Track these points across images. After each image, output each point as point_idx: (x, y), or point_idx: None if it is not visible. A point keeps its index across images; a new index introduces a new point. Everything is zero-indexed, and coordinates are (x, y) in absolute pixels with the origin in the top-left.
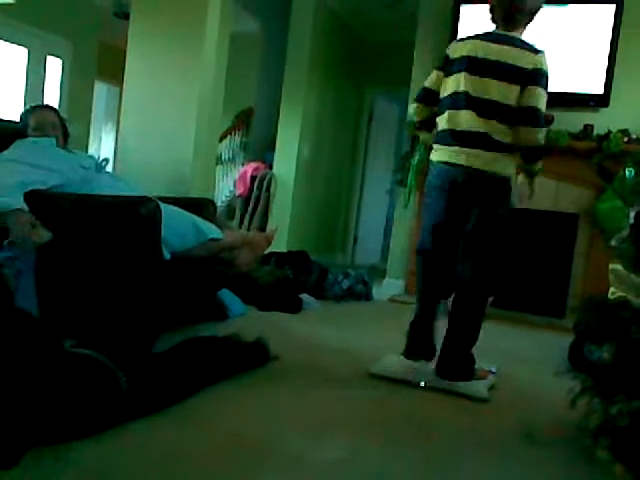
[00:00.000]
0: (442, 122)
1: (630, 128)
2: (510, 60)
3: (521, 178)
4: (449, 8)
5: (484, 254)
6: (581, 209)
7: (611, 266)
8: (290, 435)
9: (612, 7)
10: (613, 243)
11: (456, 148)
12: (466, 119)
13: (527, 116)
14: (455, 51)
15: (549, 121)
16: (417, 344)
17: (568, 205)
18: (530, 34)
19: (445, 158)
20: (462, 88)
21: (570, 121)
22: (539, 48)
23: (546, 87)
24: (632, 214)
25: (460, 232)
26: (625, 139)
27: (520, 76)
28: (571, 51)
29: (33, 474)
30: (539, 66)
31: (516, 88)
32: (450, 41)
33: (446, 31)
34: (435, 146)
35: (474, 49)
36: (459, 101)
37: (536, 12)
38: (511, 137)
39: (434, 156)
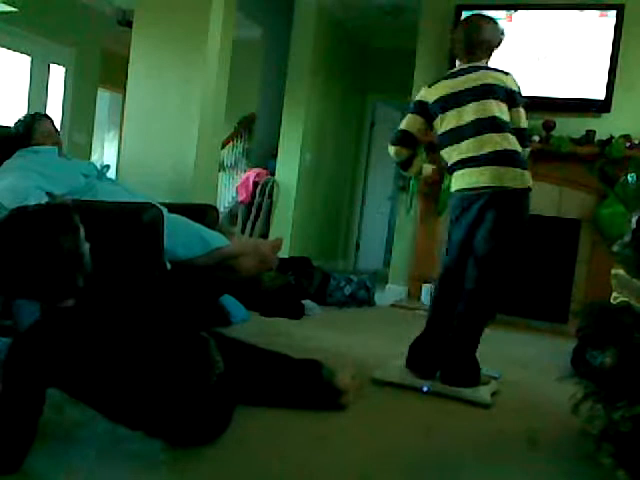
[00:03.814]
0: (455, 154)
1: (632, 133)
2: (487, 80)
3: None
4: (450, 15)
5: (491, 265)
6: (583, 214)
7: (613, 271)
8: (291, 441)
9: (613, 13)
10: (615, 248)
11: (481, 169)
12: (482, 142)
13: (520, 138)
14: (431, 94)
15: (551, 127)
16: (417, 360)
17: (570, 211)
18: (533, 40)
19: (466, 184)
20: (457, 123)
21: (572, 127)
22: (505, 70)
23: (522, 103)
24: (634, 219)
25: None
26: (627, 144)
27: (501, 93)
28: (572, 57)
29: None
30: (514, 87)
31: (504, 105)
32: (451, 49)
33: (447, 38)
34: (456, 174)
35: (448, 87)
36: (467, 131)
37: (496, 46)
38: (515, 142)
39: (455, 184)
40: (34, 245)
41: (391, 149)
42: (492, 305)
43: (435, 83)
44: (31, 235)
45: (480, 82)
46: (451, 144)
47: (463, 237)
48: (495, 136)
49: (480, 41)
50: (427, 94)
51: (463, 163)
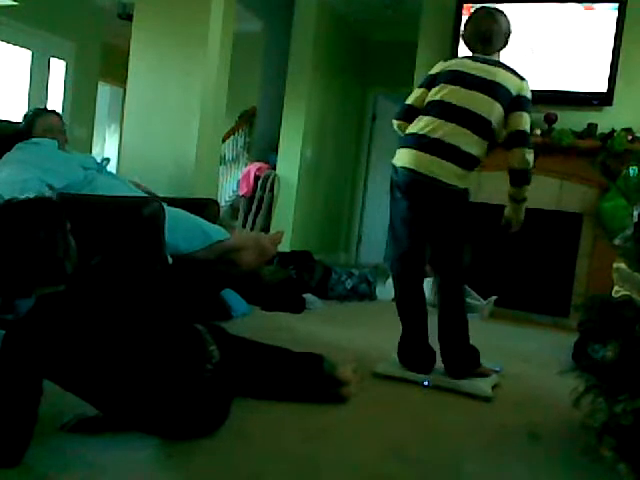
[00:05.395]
0: (415, 126)
1: (634, 127)
2: (497, 79)
3: (508, 208)
4: (452, 7)
5: (450, 257)
6: (585, 208)
7: (615, 265)
8: (292, 434)
9: (615, 5)
10: (617, 242)
11: (422, 154)
12: (443, 128)
13: (517, 139)
14: (440, 68)
15: (552, 120)
16: (409, 360)
17: (572, 204)
18: (535, 33)
19: (407, 164)
20: (446, 98)
21: (574, 120)
22: (522, 75)
23: (530, 111)
24: (636, 212)
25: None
26: (629, 138)
27: (505, 97)
28: (574, 49)
29: (33, 472)
30: (523, 93)
31: (499, 106)
32: (453, 40)
33: (449, 30)
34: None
35: (462, 65)
36: (440, 110)
37: (509, 36)
38: (482, 150)
39: (397, 160)
40: (15, 234)
41: (394, 122)
42: (462, 286)
43: (452, 60)
44: (12, 224)
45: (490, 77)
46: (423, 114)
47: (406, 220)
48: (460, 130)
49: (495, 33)
50: (439, 67)
51: (408, 139)
